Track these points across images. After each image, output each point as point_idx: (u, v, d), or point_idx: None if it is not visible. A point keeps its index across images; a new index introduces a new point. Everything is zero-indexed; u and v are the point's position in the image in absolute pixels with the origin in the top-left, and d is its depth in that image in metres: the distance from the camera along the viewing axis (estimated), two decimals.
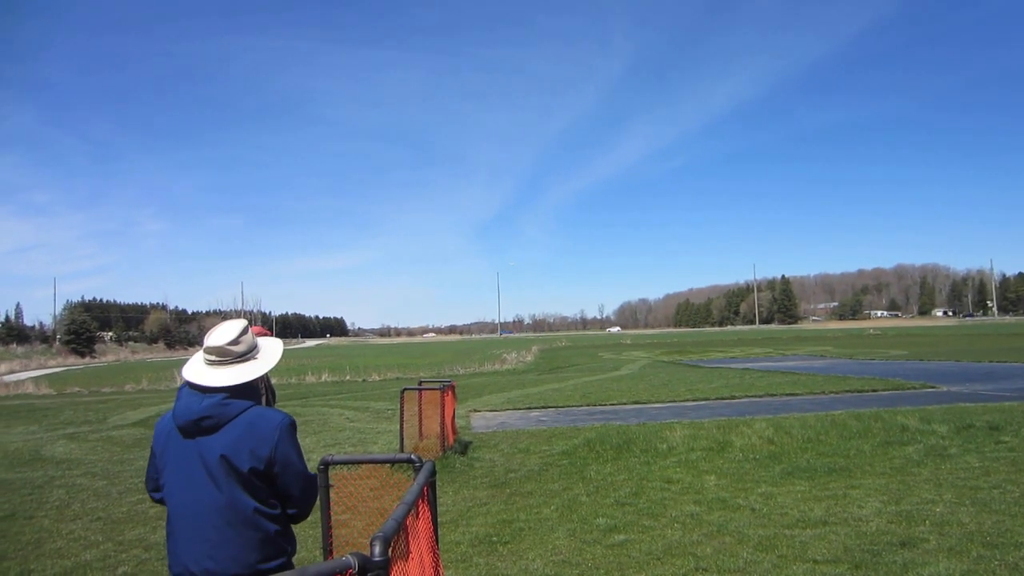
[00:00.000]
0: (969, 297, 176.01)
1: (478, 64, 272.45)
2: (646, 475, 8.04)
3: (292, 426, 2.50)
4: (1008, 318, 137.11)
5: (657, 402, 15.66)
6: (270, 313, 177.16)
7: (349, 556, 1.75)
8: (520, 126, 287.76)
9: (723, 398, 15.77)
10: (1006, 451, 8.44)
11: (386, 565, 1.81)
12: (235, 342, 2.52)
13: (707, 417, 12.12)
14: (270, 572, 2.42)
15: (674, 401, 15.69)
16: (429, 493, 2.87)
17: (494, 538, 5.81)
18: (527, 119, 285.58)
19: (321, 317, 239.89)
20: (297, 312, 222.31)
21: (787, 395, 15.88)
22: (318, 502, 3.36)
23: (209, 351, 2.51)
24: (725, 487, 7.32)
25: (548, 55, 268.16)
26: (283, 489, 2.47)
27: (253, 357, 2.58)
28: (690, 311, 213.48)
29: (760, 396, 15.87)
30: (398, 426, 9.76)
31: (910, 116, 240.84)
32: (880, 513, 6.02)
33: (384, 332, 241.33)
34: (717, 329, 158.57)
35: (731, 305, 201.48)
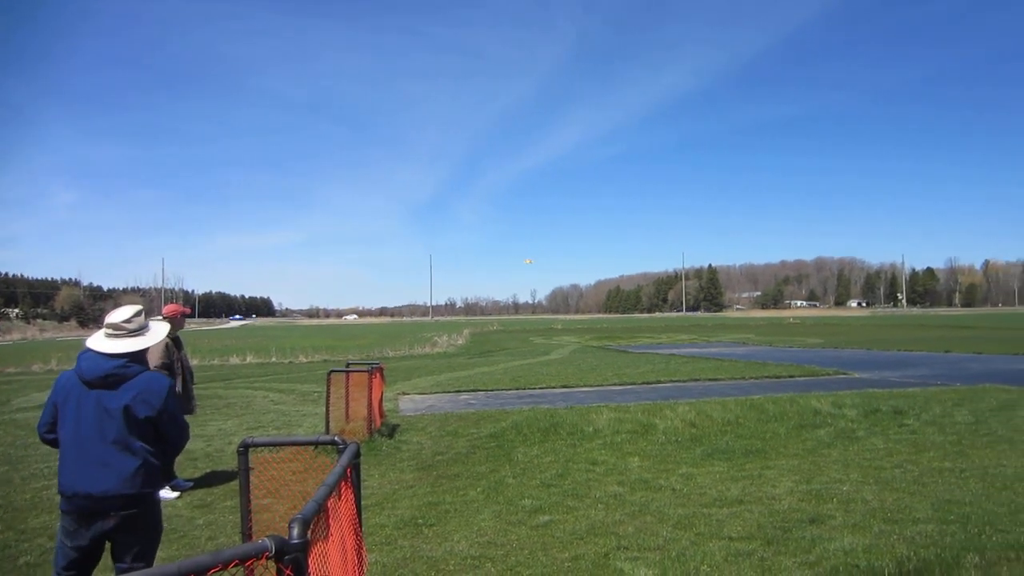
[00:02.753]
0: (881, 289, 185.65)
1: (423, 43, 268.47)
2: (572, 457, 8.17)
3: (174, 387, 3.53)
4: (916, 310, 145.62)
5: (585, 386, 15.91)
6: (193, 292, 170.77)
7: (266, 539, 1.71)
8: (462, 108, 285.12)
9: (649, 382, 16.15)
10: (908, 433, 8.97)
11: (304, 547, 1.78)
12: (128, 321, 3.43)
13: (633, 401, 12.39)
14: (149, 495, 3.36)
15: (602, 385, 15.96)
16: (353, 475, 2.83)
17: (420, 520, 5.79)
18: (469, 101, 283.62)
19: (247, 297, 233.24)
20: (222, 291, 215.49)
21: (709, 380, 16.39)
22: (237, 487, 3.35)
23: (108, 326, 3.41)
24: (648, 468, 7.52)
25: (494, 37, 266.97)
26: (165, 433, 3.42)
27: (142, 334, 3.48)
28: (620, 297, 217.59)
29: (684, 381, 16.33)
30: (324, 409, 9.59)
31: (837, 112, 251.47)
32: (792, 492, 6.31)
33: (312, 313, 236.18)
34: (646, 316, 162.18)
35: (660, 292, 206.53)
